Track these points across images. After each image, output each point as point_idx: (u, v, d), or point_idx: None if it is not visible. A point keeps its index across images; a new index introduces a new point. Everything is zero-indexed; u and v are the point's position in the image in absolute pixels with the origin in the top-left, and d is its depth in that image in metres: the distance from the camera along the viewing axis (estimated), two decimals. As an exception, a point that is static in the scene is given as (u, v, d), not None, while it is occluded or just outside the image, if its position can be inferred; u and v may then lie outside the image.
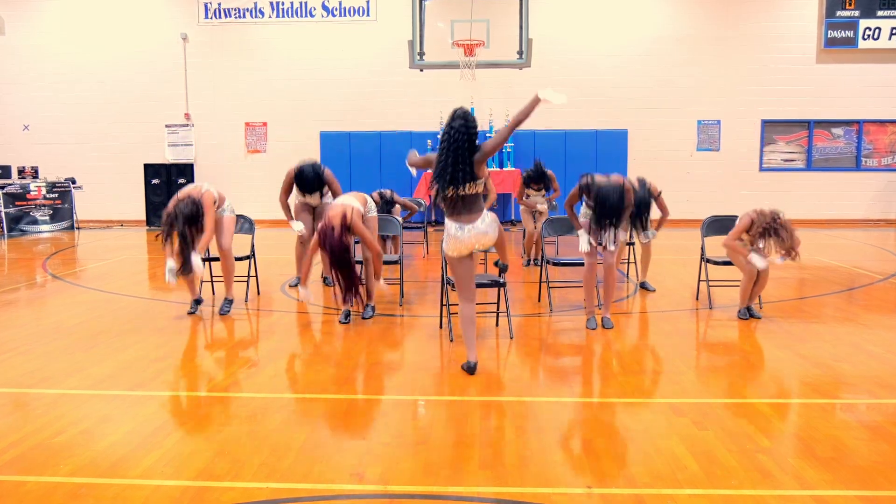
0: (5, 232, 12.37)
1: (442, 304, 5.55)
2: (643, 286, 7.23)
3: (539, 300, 6.70)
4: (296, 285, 7.50)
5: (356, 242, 7.10)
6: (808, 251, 10.27)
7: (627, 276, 7.93)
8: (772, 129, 14.16)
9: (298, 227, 7.02)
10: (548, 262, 6.50)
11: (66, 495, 2.95)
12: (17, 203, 12.71)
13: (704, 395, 4.19)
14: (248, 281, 6.87)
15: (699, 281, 6.74)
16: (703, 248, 6.65)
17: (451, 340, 5.29)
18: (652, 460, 3.25)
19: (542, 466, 3.20)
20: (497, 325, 5.65)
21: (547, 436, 3.55)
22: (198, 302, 6.31)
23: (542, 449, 3.39)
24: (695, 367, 4.81)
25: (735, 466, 3.17)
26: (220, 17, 14.12)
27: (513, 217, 13.66)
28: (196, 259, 5.67)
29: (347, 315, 5.87)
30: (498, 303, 5.58)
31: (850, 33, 13.58)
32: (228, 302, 6.30)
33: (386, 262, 6.85)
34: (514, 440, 3.48)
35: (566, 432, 3.61)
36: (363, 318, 5.96)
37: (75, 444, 3.45)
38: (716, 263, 6.45)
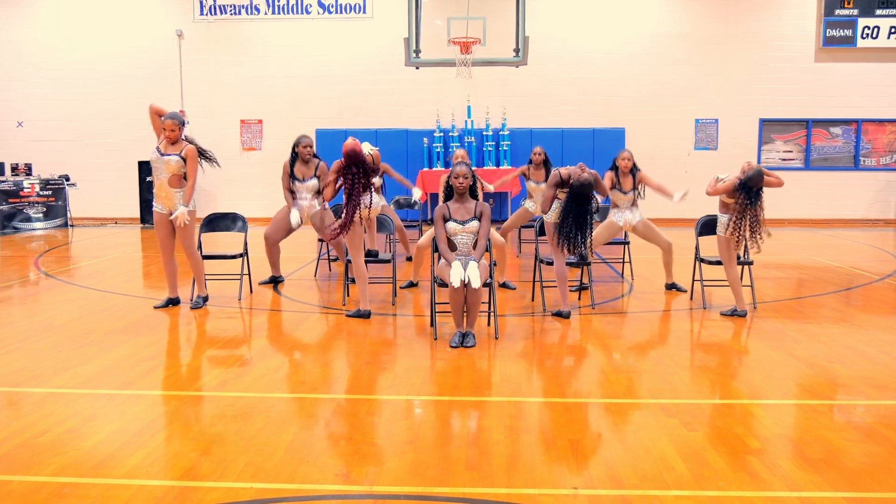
0: (-1, 229, 12.34)
1: (433, 303, 5.52)
2: (674, 287, 7.09)
3: (532, 300, 6.67)
4: (267, 283, 7.42)
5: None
6: (807, 251, 10.26)
7: (623, 276, 7.91)
8: (770, 128, 14.12)
9: (295, 218, 7.08)
10: (542, 261, 6.48)
11: (50, 495, 2.92)
12: (10, 200, 12.66)
13: (696, 396, 4.17)
14: (240, 279, 6.84)
15: (693, 280, 6.71)
16: (697, 248, 6.62)
17: (436, 339, 5.27)
18: (640, 461, 3.23)
19: (529, 467, 3.18)
20: (489, 324, 5.63)
21: (535, 436, 3.53)
22: (171, 301, 6.37)
23: (529, 449, 3.37)
24: (687, 368, 4.79)
25: (723, 468, 3.15)
26: (215, 13, 14.06)
27: (509, 216, 13.61)
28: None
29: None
30: (489, 302, 5.55)
31: (848, 32, 13.53)
32: (202, 298, 6.40)
33: (380, 261, 6.83)
34: (501, 440, 3.45)
35: (554, 433, 3.59)
36: (347, 315, 6.02)
37: (60, 444, 3.42)
38: (710, 263, 6.43)
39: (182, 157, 6.10)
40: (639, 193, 7.04)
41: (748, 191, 5.84)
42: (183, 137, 6.17)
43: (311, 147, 7.16)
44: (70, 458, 3.27)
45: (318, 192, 7.16)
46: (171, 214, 6.24)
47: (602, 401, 4.09)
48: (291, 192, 7.18)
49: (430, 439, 3.49)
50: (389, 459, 3.26)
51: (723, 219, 6.03)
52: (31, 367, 4.65)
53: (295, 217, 7.08)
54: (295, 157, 7.15)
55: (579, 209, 5.69)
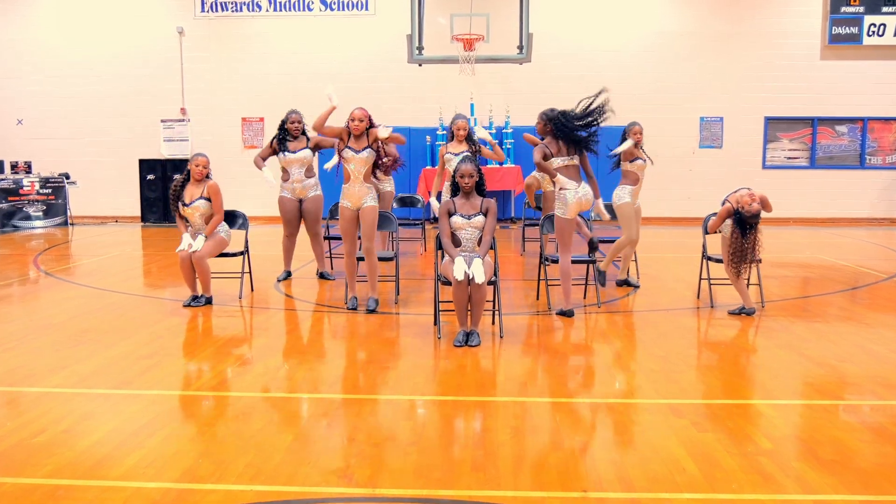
0: (-2, 228, 12.28)
1: (436, 301, 5.43)
2: (626, 283, 7.13)
3: (538, 298, 6.59)
4: (284, 279, 7.42)
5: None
6: (812, 250, 10.16)
7: (627, 274, 7.81)
8: (775, 126, 14.01)
9: (269, 175, 7.02)
10: (546, 259, 6.39)
11: (44, 497, 2.85)
12: (9, 198, 12.59)
13: (705, 396, 4.08)
14: (241, 277, 6.75)
15: (700, 279, 6.62)
16: (704, 246, 6.53)
17: (439, 338, 5.19)
18: (650, 463, 3.15)
19: (536, 469, 3.10)
20: (493, 323, 5.54)
21: (541, 437, 3.45)
22: (195, 298, 6.26)
23: (536, 451, 3.29)
24: (695, 367, 4.71)
25: (735, 469, 3.07)
26: (216, 10, 13.99)
27: (512, 214, 13.54)
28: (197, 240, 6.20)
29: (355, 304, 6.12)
30: (493, 300, 5.47)
31: (854, 30, 13.42)
32: (205, 298, 6.32)
33: (381, 259, 6.74)
34: (507, 441, 3.37)
35: (561, 434, 3.51)
36: (368, 311, 5.99)
37: (56, 444, 3.34)
38: (717, 261, 6.33)
39: (207, 198, 6.24)
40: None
41: (742, 224, 5.69)
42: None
43: (299, 123, 7.23)
44: (65, 458, 3.20)
45: (310, 168, 7.28)
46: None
47: (609, 401, 4.01)
48: (283, 170, 7.24)
49: (435, 440, 3.41)
50: (392, 461, 3.18)
51: (728, 220, 5.92)
52: (27, 366, 4.57)
53: (269, 174, 7.00)
54: (285, 134, 7.18)
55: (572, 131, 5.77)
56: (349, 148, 6.01)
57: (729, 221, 5.87)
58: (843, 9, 13.39)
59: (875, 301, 6.78)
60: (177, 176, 6.39)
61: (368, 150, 6.01)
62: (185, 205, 6.22)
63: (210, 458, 3.19)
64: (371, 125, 6.03)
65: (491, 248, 5.25)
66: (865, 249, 10.43)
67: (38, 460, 3.18)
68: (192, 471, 3.06)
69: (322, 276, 7.55)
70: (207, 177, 6.32)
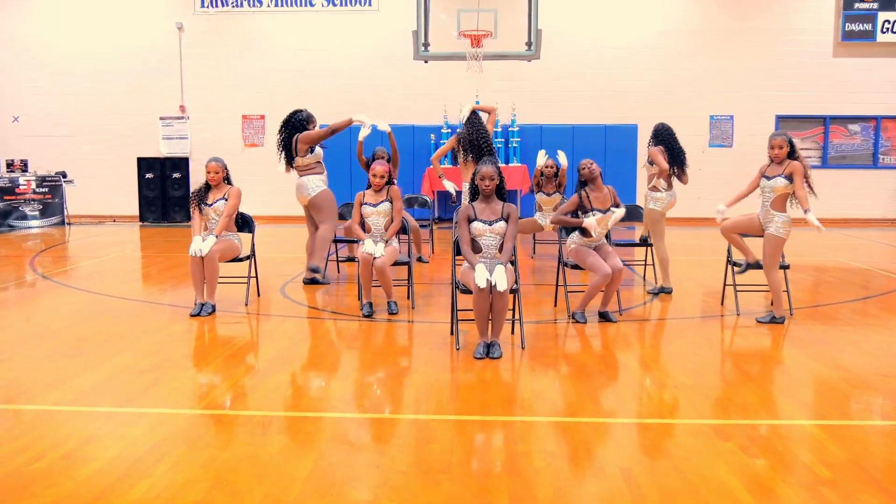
0: (-6, 227, 11.97)
1: (454, 310, 5.17)
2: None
3: (555, 305, 6.33)
4: (309, 282, 7.19)
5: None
6: (830, 252, 9.91)
7: (645, 280, 7.57)
8: (786, 124, 13.75)
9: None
10: (565, 264, 6.14)
11: (42, 534, 2.59)
12: (5, 197, 12.27)
13: (748, 415, 3.82)
14: (248, 282, 6.48)
15: (724, 285, 6.37)
16: (729, 251, 6.28)
17: (458, 349, 4.93)
18: (700, 494, 2.90)
19: (579, 501, 2.84)
20: (513, 332, 5.29)
21: (580, 463, 3.19)
22: (202, 306, 5.94)
23: (577, 479, 3.03)
24: (731, 382, 4.45)
25: (798, 504, 2.82)
26: (216, 6, 13.67)
27: (519, 215, 13.27)
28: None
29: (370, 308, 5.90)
30: (514, 309, 5.21)
31: (868, 26, 13.17)
32: (211, 305, 5.99)
33: (397, 263, 6.48)
34: (543, 468, 3.11)
35: (601, 459, 3.25)
36: (390, 313, 5.88)
37: (55, 472, 3.08)
38: (740, 266, 6.08)
39: (226, 199, 6.17)
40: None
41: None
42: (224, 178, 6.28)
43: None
44: (66, 489, 2.93)
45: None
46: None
47: (647, 421, 3.75)
48: (319, 163, 7.33)
49: (465, 467, 3.15)
50: (423, 491, 2.92)
51: (778, 217, 5.64)
52: (23, 379, 4.30)
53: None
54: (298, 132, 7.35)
55: None
56: (367, 203, 6.05)
57: (779, 218, 5.62)
58: (857, 5, 13.13)
59: (904, 307, 6.54)
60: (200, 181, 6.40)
61: (386, 203, 6.05)
62: (208, 205, 6.15)
63: (224, 489, 2.93)
64: (390, 180, 6.16)
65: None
66: (882, 252, 10.20)
67: (35, 491, 2.92)
68: (205, 504, 2.81)
69: (313, 278, 7.23)
70: (227, 180, 6.26)
